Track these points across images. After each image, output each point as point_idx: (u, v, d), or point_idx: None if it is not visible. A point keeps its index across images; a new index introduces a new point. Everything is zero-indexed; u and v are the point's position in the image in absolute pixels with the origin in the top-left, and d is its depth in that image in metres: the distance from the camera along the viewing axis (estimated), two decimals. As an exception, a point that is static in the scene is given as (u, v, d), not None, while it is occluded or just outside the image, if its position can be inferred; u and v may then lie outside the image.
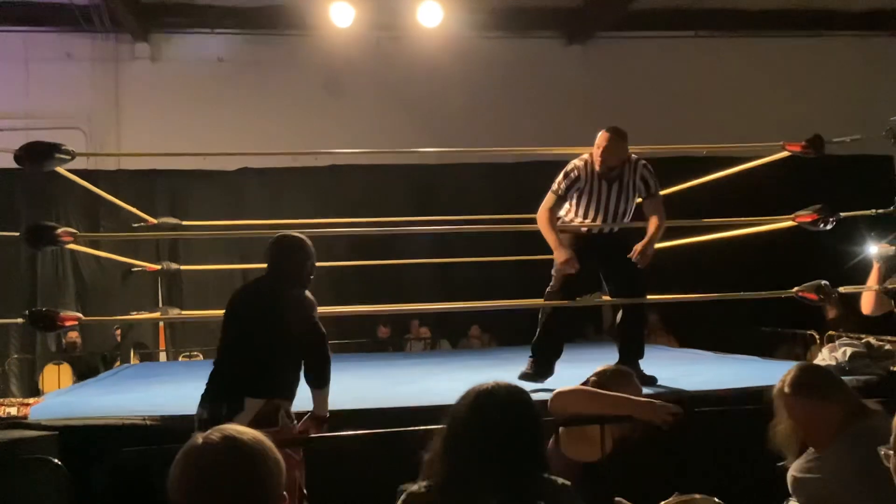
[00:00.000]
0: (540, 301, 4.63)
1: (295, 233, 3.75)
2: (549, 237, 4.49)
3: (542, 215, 4.54)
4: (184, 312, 6.97)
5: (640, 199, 4.65)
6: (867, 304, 4.51)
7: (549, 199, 4.56)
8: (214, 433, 1.51)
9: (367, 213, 8.00)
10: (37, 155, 4.07)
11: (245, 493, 1.46)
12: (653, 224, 4.49)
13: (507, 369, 4.46)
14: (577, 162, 4.55)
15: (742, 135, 7.73)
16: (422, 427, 3.03)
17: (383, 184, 9.93)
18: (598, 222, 4.57)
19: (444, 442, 1.98)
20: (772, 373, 4.72)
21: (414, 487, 1.96)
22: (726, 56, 10.89)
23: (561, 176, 4.57)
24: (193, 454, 1.50)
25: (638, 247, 4.38)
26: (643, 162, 4.63)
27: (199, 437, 1.52)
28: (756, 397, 3.87)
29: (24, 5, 9.82)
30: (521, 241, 6.52)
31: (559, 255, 4.42)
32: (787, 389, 2.57)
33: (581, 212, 4.59)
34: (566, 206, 4.62)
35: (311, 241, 3.67)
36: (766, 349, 7.67)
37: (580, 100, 10.50)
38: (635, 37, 10.81)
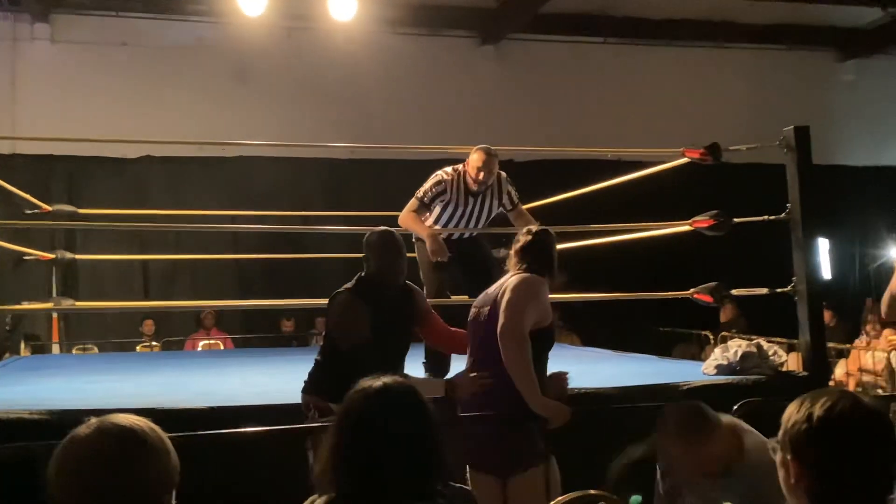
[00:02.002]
0: (445, 300, 4.65)
1: (382, 228, 3.55)
2: (419, 228, 4.59)
3: (406, 216, 4.63)
4: (78, 304, 6.71)
5: (503, 210, 4.80)
6: (884, 307, 4.56)
7: (412, 203, 4.66)
8: (92, 423, 1.47)
9: (276, 207, 7.88)
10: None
11: (115, 479, 1.42)
12: None
13: (414, 365, 4.47)
14: (444, 175, 4.65)
15: (647, 140, 7.91)
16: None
17: (293, 177, 9.80)
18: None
19: (336, 451, 1.80)
20: (668, 370, 4.89)
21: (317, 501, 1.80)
22: (633, 63, 11.16)
23: (429, 184, 4.66)
24: (67, 444, 1.46)
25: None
26: (504, 175, 4.76)
27: (83, 426, 1.48)
28: (652, 394, 4.00)
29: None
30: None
31: (431, 243, 4.51)
32: (669, 430, 2.63)
33: (443, 221, 4.71)
34: (426, 213, 4.72)
35: (389, 236, 3.46)
36: (663, 348, 7.91)
37: (492, 99, 10.61)
38: (546, 40, 10.97)
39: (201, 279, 9.59)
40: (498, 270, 4.77)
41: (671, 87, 11.13)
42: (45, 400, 3.77)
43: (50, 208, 6.37)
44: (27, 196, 6.16)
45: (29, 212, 6.46)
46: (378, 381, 1.86)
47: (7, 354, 8.01)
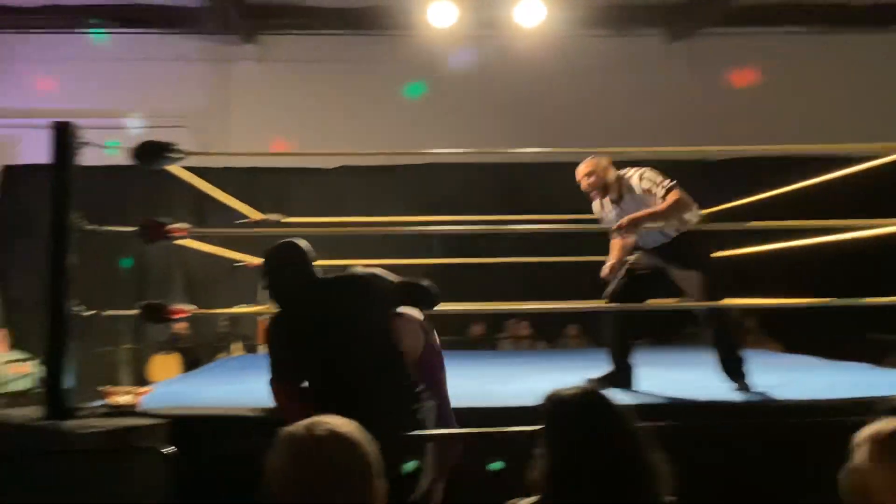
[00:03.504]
0: (633, 305, 4.54)
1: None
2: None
3: None
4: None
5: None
6: None
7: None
8: (308, 425, 1.56)
9: (463, 212, 8.00)
10: (150, 153, 4.20)
11: (348, 484, 1.51)
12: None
13: (600, 370, 4.44)
14: None
15: (852, 134, 7.34)
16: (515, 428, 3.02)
17: (480, 182, 9.93)
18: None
19: (551, 460, 1.85)
20: (884, 381, 4.53)
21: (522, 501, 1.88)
22: (838, 52, 10.45)
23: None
24: (288, 445, 1.55)
25: (624, 220, 4.31)
26: (632, 173, 4.60)
27: (302, 429, 1.56)
28: (867, 407, 3.71)
29: (137, 8, 10.24)
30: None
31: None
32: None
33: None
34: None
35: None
36: (874, 356, 7.34)
37: (683, 98, 10.29)
38: (741, 33, 10.49)
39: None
40: (702, 278, 4.49)
41: (883, 76, 10.33)
42: (262, 398, 4.00)
43: (262, 216, 6.77)
44: (243, 206, 6.59)
45: (239, 221, 6.90)
46: (574, 388, 1.91)
47: (222, 353, 8.63)
